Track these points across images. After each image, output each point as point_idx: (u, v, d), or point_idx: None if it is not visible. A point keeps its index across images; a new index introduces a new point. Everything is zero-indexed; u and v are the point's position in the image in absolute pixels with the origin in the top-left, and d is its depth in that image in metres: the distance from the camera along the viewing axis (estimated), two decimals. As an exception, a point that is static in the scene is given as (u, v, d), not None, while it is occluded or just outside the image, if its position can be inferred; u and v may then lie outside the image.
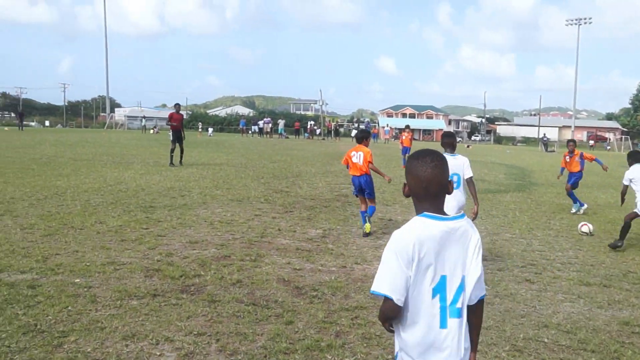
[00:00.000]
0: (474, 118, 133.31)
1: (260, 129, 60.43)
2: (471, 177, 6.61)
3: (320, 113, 78.28)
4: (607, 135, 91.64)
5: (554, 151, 58.49)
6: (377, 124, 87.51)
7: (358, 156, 8.61)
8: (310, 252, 7.22)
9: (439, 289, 2.14)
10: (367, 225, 8.48)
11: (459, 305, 2.17)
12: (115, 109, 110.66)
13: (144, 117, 75.50)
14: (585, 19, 76.97)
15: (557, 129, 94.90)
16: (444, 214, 2.21)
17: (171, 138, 19.64)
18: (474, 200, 6.83)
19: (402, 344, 2.22)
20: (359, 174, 8.54)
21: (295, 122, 67.36)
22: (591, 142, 73.50)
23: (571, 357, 4.33)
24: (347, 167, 8.92)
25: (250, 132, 62.05)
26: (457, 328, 2.17)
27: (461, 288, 2.18)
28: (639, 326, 5.04)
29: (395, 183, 14.83)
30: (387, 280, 2.11)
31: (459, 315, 2.18)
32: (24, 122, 63.47)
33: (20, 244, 6.87)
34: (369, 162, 8.49)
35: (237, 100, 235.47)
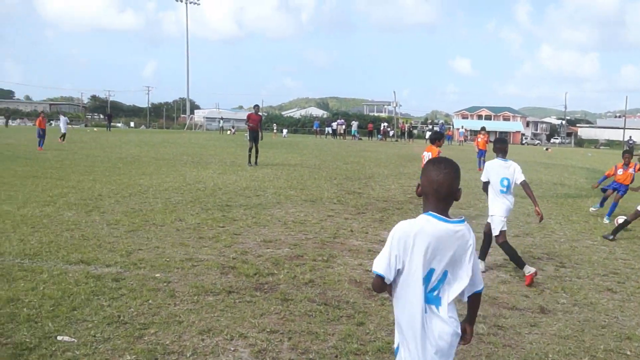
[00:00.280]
0: (553, 120, 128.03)
1: (334, 131, 60.75)
2: (524, 180, 6.50)
3: (394, 114, 77.68)
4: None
5: (642, 155, 54.94)
6: (451, 126, 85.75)
7: (428, 156, 9.26)
8: (382, 254, 7.16)
9: (426, 279, 2.44)
10: None
11: (436, 294, 2.48)
12: (195, 111, 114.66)
13: (222, 118, 77.85)
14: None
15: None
16: (448, 217, 2.49)
17: (248, 138, 20.12)
18: (533, 203, 6.63)
19: (398, 329, 2.54)
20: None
21: (368, 124, 67.21)
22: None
23: (661, 374, 4.06)
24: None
25: (324, 133, 62.50)
26: (436, 314, 2.47)
27: (442, 281, 2.48)
28: None
29: (469, 187, 14.52)
30: (385, 263, 2.43)
31: (437, 303, 2.48)
32: (112, 123, 66.99)
33: (107, 238, 7.26)
34: None
35: (312, 101, 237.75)
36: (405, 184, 15.61)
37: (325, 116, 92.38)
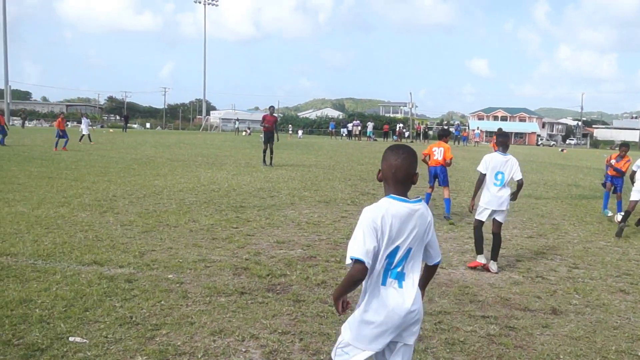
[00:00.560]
0: (569, 121, 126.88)
1: (349, 132, 60.72)
2: (521, 178, 6.73)
3: (410, 115, 77.40)
4: None
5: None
6: (467, 127, 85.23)
7: (439, 151, 10.38)
8: (395, 256, 7.14)
9: (390, 255, 2.61)
10: (449, 220, 9.90)
11: (399, 269, 2.66)
12: (211, 112, 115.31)
13: (237, 119, 78.24)
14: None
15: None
16: (407, 197, 2.67)
17: (263, 139, 20.19)
18: (514, 194, 6.86)
19: (362, 296, 2.68)
20: (435, 165, 10.40)
21: (384, 125, 67.05)
22: None
23: (677, 378, 3.99)
24: (427, 160, 10.68)
25: (340, 134, 62.47)
26: (397, 288, 2.64)
27: (405, 257, 2.66)
28: None
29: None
30: (360, 248, 2.52)
31: (399, 278, 2.66)
32: (128, 125, 67.56)
33: (120, 239, 7.31)
34: (450, 157, 10.30)
35: (327, 102, 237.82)
36: (420, 185, 15.52)
37: (341, 117, 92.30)
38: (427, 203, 10.04)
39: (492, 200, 6.64)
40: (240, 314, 4.77)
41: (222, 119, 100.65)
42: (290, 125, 72.55)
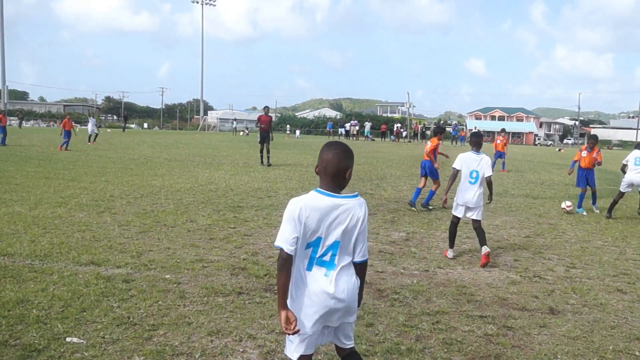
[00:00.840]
0: (566, 121, 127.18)
1: (347, 132, 60.74)
2: (490, 176, 7.04)
3: (407, 115, 77.46)
4: None
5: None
6: (464, 127, 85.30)
7: (426, 145, 11.61)
8: (392, 255, 7.16)
9: (314, 244, 2.76)
10: (416, 202, 11.06)
11: (326, 258, 2.78)
12: (208, 112, 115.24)
13: (235, 119, 78.16)
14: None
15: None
16: (337, 192, 2.79)
17: (259, 139, 20.26)
18: (489, 196, 7.22)
19: (291, 285, 2.78)
20: (424, 158, 11.54)
21: (381, 125, 67.08)
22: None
23: (674, 377, 4.00)
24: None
25: (337, 134, 62.49)
26: (324, 275, 2.77)
27: (331, 248, 2.77)
28: None
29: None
30: (280, 236, 2.72)
31: (326, 266, 2.78)
32: (126, 124, 67.42)
33: (118, 240, 7.30)
34: (429, 151, 11.32)
35: (325, 102, 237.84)
36: (417, 184, 15.54)
37: (338, 117, 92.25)
38: (415, 198, 11.14)
39: (467, 198, 6.98)
40: (237, 314, 4.77)
41: (220, 119, 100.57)
42: (288, 126, 72.55)
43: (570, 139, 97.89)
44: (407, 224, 9.45)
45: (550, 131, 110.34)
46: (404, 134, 64.78)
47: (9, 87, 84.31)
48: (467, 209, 7.02)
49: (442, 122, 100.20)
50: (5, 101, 70.45)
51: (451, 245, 7.22)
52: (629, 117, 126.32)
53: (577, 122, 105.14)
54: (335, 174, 2.78)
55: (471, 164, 7.02)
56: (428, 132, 67.60)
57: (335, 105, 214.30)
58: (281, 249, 2.70)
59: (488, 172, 7.00)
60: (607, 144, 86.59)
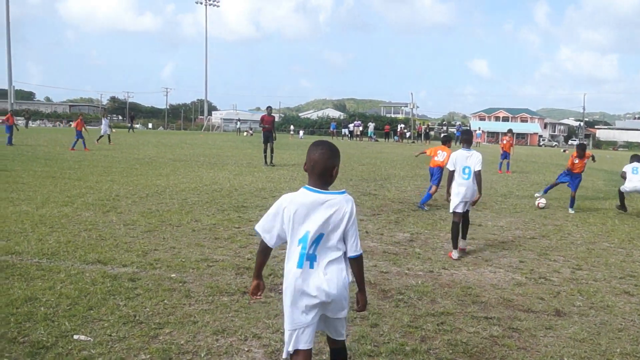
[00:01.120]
0: (571, 121, 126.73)
1: (351, 132, 60.75)
2: (479, 170, 7.37)
3: (411, 116, 77.39)
4: None
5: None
6: (468, 127, 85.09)
7: (443, 155, 11.38)
8: (397, 256, 7.16)
9: (302, 240, 2.88)
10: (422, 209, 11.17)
11: (314, 253, 2.89)
12: (212, 112, 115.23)
13: (239, 119, 78.30)
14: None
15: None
16: (324, 189, 2.94)
17: (262, 139, 20.32)
18: (478, 190, 7.41)
19: (284, 283, 2.96)
20: (433, 166, 11.62)
21: (385, 125, 67.03)
22: None
23: (680, 379, 3.99)
24: (430, 157, 11.88)
25: (341, 135, 62.50)
26: (308, 270, 2.88)
27: (316, 242, 2.88)
28: None
29: (485, 188, 14.47)
30: (262, 224, 2.99)
31: (310, 260, 2.88)
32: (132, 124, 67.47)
33: (123, 239, 7.33)
34: (446, 160, 10.87)
35: (329, 103, 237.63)
36: (422, 185, 15.54)
37: (342, 117, 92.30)
38: (426, 201, 11.38)
39: (463, 193, 7.34)
40: (242, 314, 4.79)
41: (224, 119, 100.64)
42: (291, 126, 72.56)
43: (575, 140, 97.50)
44: (412, 224, 9.45)
45: (554, 132, 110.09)
46: (408, 134, 64.66)
47: (16, 88, 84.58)
48: (465, 203, 7.40)
49: (444, 122, 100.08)
50: (12, 101, 70.69)
51: (455, 247, 7.31)
52: (635, 118, 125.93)
53: (582, 123, 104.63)
54: (322, 172, 2.95)
55: (462, 161, 7.39)
56: (432, 133, 67.62)
57: (339, 105, 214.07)
58: (261, 238, 3.00)
59: (478, 167, 7.34)
60: (613, 145, 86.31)
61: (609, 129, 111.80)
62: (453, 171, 7.46)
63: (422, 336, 4.50)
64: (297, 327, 2.90)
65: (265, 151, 20.01)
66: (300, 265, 2.88)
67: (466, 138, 7.76)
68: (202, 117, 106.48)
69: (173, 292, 5.27)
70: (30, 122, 69.05)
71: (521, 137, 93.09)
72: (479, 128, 64.08)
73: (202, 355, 3.95)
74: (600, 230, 9.87)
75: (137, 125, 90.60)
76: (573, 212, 11.94)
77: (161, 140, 38.76)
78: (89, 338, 4.11)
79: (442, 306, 5.25)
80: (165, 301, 5.00)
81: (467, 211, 7.61)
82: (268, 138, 19.87)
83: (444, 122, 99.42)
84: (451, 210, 7.46)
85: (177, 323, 4.50)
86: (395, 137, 62.31)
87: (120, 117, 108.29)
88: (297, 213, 2.88)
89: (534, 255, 7.58)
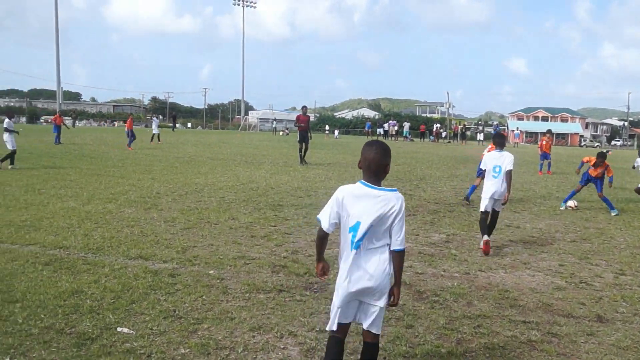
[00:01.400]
0: (614, 121, 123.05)
1: (386, 132, 60.44)
2: (510, 170, 7.62)
3: (447, 115, 76.53)
4: None
5: None
6: (506, 127, 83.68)
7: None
8: (432, 257, 7.13)
9: (353, 229, 3.18)
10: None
11: (362, 241, 3.18)
12: (249, 112, 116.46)
13: (275, 119, 78.78)
14: None
15: None
16: (377, 185, 3.23)
17: (298, 139, 20.46)
18: (507, 189, 7.63)
19: (341, 265, 3.29)
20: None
21: (420, 125, 66.47)
22: None
23: None
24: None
25: (376, 134, 62.24)
26: (359, 255, 3.20)
27: (366, 232, 3.17)
28: None
29: (523, 189, 14.23)
30: (324, 213, 3.27)
31: (362, 248, 3.19)
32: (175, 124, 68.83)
33: (164, 235, 7.51)
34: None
35: (364, 102, 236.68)
36: (458, 186, 15.38)
37: (377, 117, 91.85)
38: (471, 193, 12.17)
39: (493, 190, 7.59)
40: (278, 311, 4.85)
41: (260, 118, 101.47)
42: (327, 126, 72.63)
43: (618, 140, 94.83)
44: (447, 225, 9.38)
45: (596, 132, 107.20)
46: (444, 134, 64.01)
47: (64, 89, 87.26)
48: (494, 201, 7.66)
49: (480, 122, 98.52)
50: (60, 102, 72.97)
51: (484, 232, 7.58)
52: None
53: (626, 123, 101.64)
54: (377, 170, 3.24)
55: (494, 160, 7.70)
56: (468, 133, 66.70)
57: (374, 105, 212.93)
58: (320, 224, 3.26)
59: (509, 167, 7.59)
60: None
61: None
62: (483, 171, 7.90)
63: (458, 339, 4.47)
64: (340, 307, 3.26)
65: (300, 150, 20.16)
66: (350, 250, 3.19)
67: (499, 141, 7.99)
68: (239, 116, 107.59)
69: (211, 288, 5.38)
70: (77, 121, 71.04)
71: (561, 137, 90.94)
72: (517, 128, 62.83)
73: (239, 351, 4.02)
74: (645, 234, 9.57)
75: (178, 125, 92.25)
76: (616, 213, 11.57)
77: (200, 140, 39.37)
78: (131, 331, 4.24)
79: (479, 309, 5.20)
80: (204, 297, 5.10)
81: (497, 212, 7.83)
82: (304, 137, 20.02)
83: (480, 122, 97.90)
84: (482, 210, 7.74)
85: (215, 319, 4.59)
86: (431, 137, 61.73)
87: (161, 117, 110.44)
88: (352, 204, 3.19)
89: (574, 259, 7.42)
